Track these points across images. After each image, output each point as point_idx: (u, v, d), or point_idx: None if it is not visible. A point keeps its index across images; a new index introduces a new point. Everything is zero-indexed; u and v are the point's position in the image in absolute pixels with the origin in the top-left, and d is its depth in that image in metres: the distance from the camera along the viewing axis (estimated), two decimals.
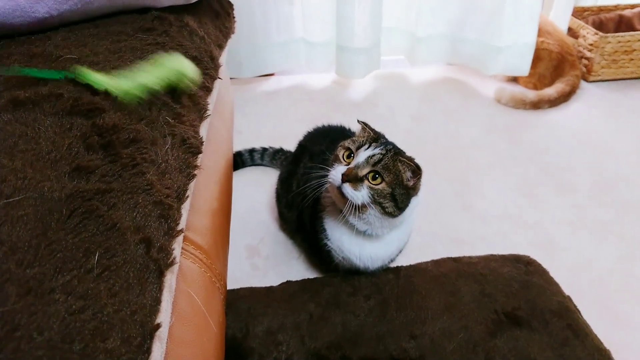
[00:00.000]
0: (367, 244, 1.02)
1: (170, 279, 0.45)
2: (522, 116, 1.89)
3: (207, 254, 0.59)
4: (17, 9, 0.62)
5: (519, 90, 2.00)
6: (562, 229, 1.33)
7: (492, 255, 1.20)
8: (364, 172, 0.89)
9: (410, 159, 0.91)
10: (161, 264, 0.43)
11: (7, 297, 0.33)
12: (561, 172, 1.56)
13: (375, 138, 0.97)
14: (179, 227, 0.49)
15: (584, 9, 2.26)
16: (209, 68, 0.75)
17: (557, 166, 1.59)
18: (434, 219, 1.38)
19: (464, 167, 1.61)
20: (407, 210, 0.94)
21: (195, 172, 0.57)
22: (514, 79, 2.14)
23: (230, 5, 1.02)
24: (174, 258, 0.46)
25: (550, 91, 1.93)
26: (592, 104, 1.95)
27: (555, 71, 2.02)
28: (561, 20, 2.18)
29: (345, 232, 1.00)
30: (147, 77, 0.55)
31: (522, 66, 2.02)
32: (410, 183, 0.91)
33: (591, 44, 2.05)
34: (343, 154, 0.95)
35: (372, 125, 1.01)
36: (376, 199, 0.89)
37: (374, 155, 0.90)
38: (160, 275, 0.43)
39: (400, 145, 0.98)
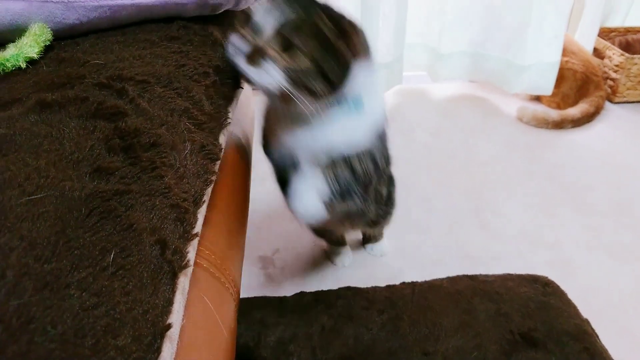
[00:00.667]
0: None
1: (184, 282, 0.45)
2: (544, 135, 1.88)
3: (221, 259, 0.60)
4: (49, 15, 0.64)
5: (542, 110, 1.99)
6: (580, 250, 1.32)
7: (509, 274, 1.18)
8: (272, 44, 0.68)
9: (332, 12, 0.69)
10: (175, 266, 0.44)
11: (24, 291, 0.34)
12: (581, 193, 1.54)
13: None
14: (195, 231, 0.50)
15: (611, 30, 2.24)
16: (231, 77, 0.76)
17: (577, 186, 1.57)
18: (450, 233, 1.37)
19: (482, 184, 1.60)
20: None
21: (213, 178, 0.58)
22: (537, 98, 2.13)
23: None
24: (188, 261, 0.46)
25: (574, 111, 1.91)
26: (616, 126, 1.93)
27: (579, 91, 2.00)
28: (587, 40, 2.16)
29: None
30: (21, 44, 0.60)
31: (546, 85, 2.01)
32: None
33: (617, 65, 2.03)
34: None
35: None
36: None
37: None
38: (174, 276, 0.43)
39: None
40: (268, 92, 0.70)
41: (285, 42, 0.65)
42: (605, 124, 1.94)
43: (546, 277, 1.17)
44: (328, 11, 0.68)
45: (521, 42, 1.97)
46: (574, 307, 1.10)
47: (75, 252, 0.38)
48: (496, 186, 1.58)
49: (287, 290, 1.16)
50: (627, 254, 1.30)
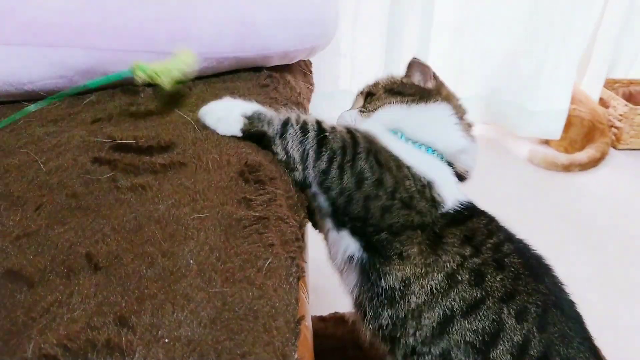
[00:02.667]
0: None
1: (301, 286, 0.58)
2: (553, 177, 2.02)
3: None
4: None
5: (551, 153, 2.14)
6: (591, 287, 1.43)
7: None
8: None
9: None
10: (299, 274, 0.56)
11: (215, 282, 0.46)
12: (590, 233, 1.67)
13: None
14: (303, 250, 0.63)
15: (615, 81, 2.41)
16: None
17: (585, 227, 1.70)
18: None
19: None
20: (432, 110, 0.87)
21: (306, 204, 0.71)
22: (546, 141, 2.27)
23: (311, 63, 1.18)
24: (304, 270, 0.59)
25: (582, 156, 2.06)
26: (621, 171, 2.07)
27: (585, 137, 2.15)
28: (593, 90, 2.33)
29: None
30: (173, 65, 0.69)
31: (555, 130, 2.16)
32: (430, 84, 0.97)
33: (621, 115, 2.19)
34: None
35: None
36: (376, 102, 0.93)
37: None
38: (298, 281, 0.56)
39: None
40: None
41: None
42: (610, 169, 2.09)
43: None
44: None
45: (533, 89, 2.13)
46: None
47: (239, 256, 0.51)
48: (508, 224, 1.70)
49: (324, 310, 1.26)
50: (635, 290, 1.42)
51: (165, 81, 0.68)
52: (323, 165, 0.69)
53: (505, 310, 0.65)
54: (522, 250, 0.77)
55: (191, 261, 0.48)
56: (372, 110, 0.87)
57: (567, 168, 2.04)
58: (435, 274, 0.68)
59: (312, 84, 1.09)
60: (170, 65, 0.69)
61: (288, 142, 0.69)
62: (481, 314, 0.65)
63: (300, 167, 0.70)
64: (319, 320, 1.23)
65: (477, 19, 2.11)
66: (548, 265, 0.78)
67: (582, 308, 1.33)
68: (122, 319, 0.41)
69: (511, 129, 2.27)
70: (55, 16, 0.72)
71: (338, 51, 2.21)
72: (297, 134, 0.70)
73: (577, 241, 1.62)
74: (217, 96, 0.78)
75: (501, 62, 2.18)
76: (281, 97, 0.85)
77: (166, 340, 0.40)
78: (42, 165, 0.60)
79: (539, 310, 0.66)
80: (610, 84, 2.40)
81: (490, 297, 0.66)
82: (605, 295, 1.41)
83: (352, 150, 0.70)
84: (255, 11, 0.82)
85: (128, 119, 0.71)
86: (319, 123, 0.72)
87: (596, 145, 2.10)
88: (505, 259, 0.72)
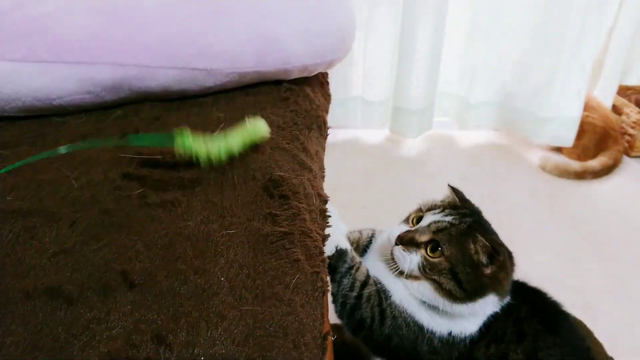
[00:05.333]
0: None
1: (325, 300, 0.59)
2: (566, 185, 2.01)
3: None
4: (193, 79, 0.79)
5: (563, 160, 2.14)
6: (603, 296, 1.43)
7: None
8: (423, 238, 0.77)
9: (491, 240, 0.75)
10: (324, 289, 0.58)
11: (246, 299, 0.48)
12: (603, 242, 1.66)
13: (456, 205, 0.85)
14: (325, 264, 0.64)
15: (628, 88, 2.41)
16: (323, 132, 0.92)
17: (599, 236, 1.70)
18: None
19: (507, 229, 1.70)
20: (483, 305, 0.77)
21: (328, 219, 0.72)
22: (558, 149, 2.27)
23: (327, 74, 1.19)
24: (328, 285, 0.60)
25: (594, 163, 2.05)
26: (634, 179, 2.07)
27: (598, 144, 2.15)
28: (606, 97, 2.32)
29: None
30: (231, 140, 0.65)
31: (567, 137, 2.16)
32: (488, 270, 0.75)
33: (634, 122, 2.18)
34: (413, 217, 0.85)
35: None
36: (428, 273, 0.76)
37: (439, 221, 0.78)
38: (323, 295, 0.57)
39: None
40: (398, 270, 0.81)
41: (437, 244, 0.76)
42: (624, 177, 2.08)
43: (574, 317, 1.29)
44: (480, 232, 0.77)
45: (546, 96, 2.13)
46: (600, 346, 1.22)
47: (267, 273, 0.52)
48: (521, 232, 1.71)
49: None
50: None
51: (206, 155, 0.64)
52: (354, 324, 0.83)
53: None
54: (539, 305, 0.85)
55: (222, 278, 0.49)
56: (415, 277, 0.80)
57: (580, 176, 2.04)
58: None
59: (329, 95, 1.10)
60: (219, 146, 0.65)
61: (340, 287, 0.83)
62: None
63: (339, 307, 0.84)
64: (333, 328, 1.24)
65: (490, 26, 2.11)
66: (563, 312, 0.86)
67: (596, 318, 1.33)
68: (159, 337, 0.42)
69: (523, 135, 2.27)
70: (83, 34, 0.74)
71: (350, 58, 2.22)
72: (347, 286, 0.83)
73: (590, 250, 1.62)
74: (240, 110, 0.80)
75: (513, 68, 2.18)
76: (301, 110, 0.86)
77: (202, 359, 0.41)
78: (74, 181, 0.61)
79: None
80: (623, 91, 2.40)
81: None
82: (619, 305, 1.41)
83: (379, 326, 0.81)
84: (276, 26, 0.84)
85: (154, 134, 0.72)
86: (362, 285, 0.82)
87: (609, 153, 2.10)
88: (524, 324, 0.79)
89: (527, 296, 0.85)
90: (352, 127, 2.41)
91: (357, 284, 0.83)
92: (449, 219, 0.79)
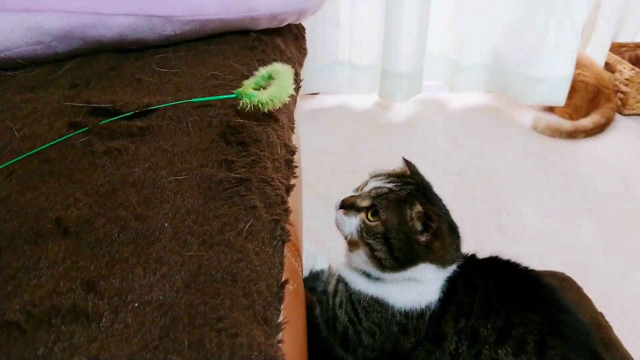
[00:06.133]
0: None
1: (286, 251, 0.56)
2: (558, 145, 1.97)
3: (295, 238, 0.70)
4: (151, 26, 0.75)
5: (555, 120, 2.09)
6: (594, 253, 1.41)
7: None
8: (363, 203, 0.75)
9: (427, 207, 0.72)
10: (284, 237, 0.54)
11: (191, 245, 0.44)
12: (594, 200, 1.63)
13: (401, 174, 0.82)
14: (289, 212, 0.60)
15: (621, 45, 2.35)
16: (295, 85, 0.87)
17: (590, 193, 1.67)
18: (469, 237, 1.46)
19: (499, 190, 1.70)
20: (416, 273, 0.75)
21: (295, 170, 0.68)
22: (550, 108, 2.23)
23: (303, 28, 1.14)
24: (289, 234, 0.57)
25: (586, 122, 2.01)
26: (627, 136, 2.03)
27: (590, 103, 2.10)
28: (599, 54, 2.26)
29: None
30: (276, 88, 0.65)
31: (559, 97, 2.11)
32: (422, 238, 0.72)
33: (627, 79, 2.13)
34: (362, 185, 0.82)
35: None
36: (364, 236, 0.74)
37: (380, 187, 0.76)
38: (283, 244, 0.54)
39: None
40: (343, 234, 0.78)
41: (375, 209, 0.74)
42: (616, 134, 2.04)
43: (563, 273, 1.26)
44: (419, 200, 0.73)
45: (537, 56, 2.07)
46: (590, 301, 1.20)
47: (218, 219, 0.48)
48: (513, 192, 1.68)
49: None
50: (638, 257, 1.39)
51: (270, 104, 0.64)
52: (340, 337, 0.83)
53: (501, 351, 0.69)
54: (512, 280, 0.79)
55: (166, 224, 0.46)
56: (353, 249, 0.79)
57: (572, 135, 2.00)
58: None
59: (304, 48, 1.05)
60: (276, 93, 0.65)
61: (322, 307, 0.87)
62: None
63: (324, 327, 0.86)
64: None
65: None
66: (541, 285, 0.79)
67: (587, 275, 1.31)
68: (89, 284, 0.39)
69: (515, 97, 2.22)
70: None
71: (337, 22, 2.16)
72: (324, 303, 0.86)
73: (583, 208, 1.59)
74: (201, 60, 0.75)
75: (504, 29, 2.12)
76: (269, 60, 0.82)
77: (135, 305, 0.38)
78: (16, 132, 0.57)
79: (537, 338, 0.68)
80: (616, 48, 2.34)
81: (486, 346, 0.70)
82: (611, 261, 1.38)
83: (359, 324, 0.80)
84: None
85: (107, 84, 0.68)
86: (334, 295, 0.85)
87: (601, 111, 2.05)
88: (493, 299, 0.73)
89: (499, 271, 0.80)
90: (340, 93, 2.36)
91: (330, 296, 0.84)
92: (390, 185, 0.77)
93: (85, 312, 0.37)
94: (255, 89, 0.65)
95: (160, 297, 0.39)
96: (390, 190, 0.75)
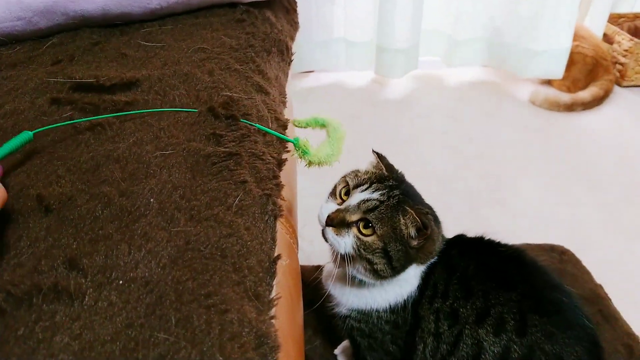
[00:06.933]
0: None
1: (279, 226, 0.54)
2: (556, 118, 1.95)
3: (288, 211, 0.69)
4: (136, 0, 0.72)
5: (553, 93, 2.06)
6: (593, 226, 1.40)
7: (527, 244, 1.27)
8: (353, 217, 0.72)
9: (419, 212, 0.70)
10: (276, 212, 0.52)
11: (178, 221, 0.43)
12: (593, 173, 1.62)
13: (382, 177, 0.78)
14: (281, 186, 0.59)
15: (620, 16, 2.31)
16: (285, 57, 0.85)
17: (589, 167, 1.65)
18: (469, 212, 1.45)
19: (498, 165, 1.68)
20: (404, 274, 0.75)
21: (287, 144, 0.67)
22: (548, 82, 2.20)
23: (295, 1, 1.11)
24: (282, 209, 0.55)
25: (584, 94, 1.99)
26: (625, 108, 2.01)
27: (589, 75, 2.07)
28: (597, 25, 2.23)
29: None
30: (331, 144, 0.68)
31: (557, 70, 2.08)
32: (415, 242, 0.72)
33: (626, 50, 2.10)
34: (340, 190, 0.78)
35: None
36: (362, 253, 0.71)
37: (369, 200, 0.72)
38: (275, 219, 0.52)
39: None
40: (335, 252, 0.75)
41: (368, 222, 0.71)
42: (614, 106, 2.02)
43: (562, 246, 1.26)
44: (408, 204, 0.72)
45: (535, 29, 2.04)
46: (589, 274, 1.19)
47: (207, 194, 0.47)
48: (512, 166, 1.66)
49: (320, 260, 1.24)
50: (637, 229, 1.38)
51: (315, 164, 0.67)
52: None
53: (481, 331, 0.69)
54: (492, 260, 0.78)
55: (152, 200, 0.44)
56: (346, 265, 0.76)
57: (570, 108, 1.97)
58: (427, 340, 0.75)
59: (296, 22, 1.02)
60: (327, 157, 0.67)
61: None
62: (462, 344, 0.71)
63: None
64: (315, 269, 1.20)
65: None
66: (527, 263, 0.78)
67: (586, 247, 1.31)
68: (72, 262, 0.37)
69: (512, 71, 2.19)
70: None
71: None
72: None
73: (582, 182, 1.58)
74: (188, 33, 0.73)
75: (501, 2, 2.08)
76: (259, 33, 0.79)
77: (120, 282, 0.37)
78: None
79: (517, 316, 0.69)
80: (614, 19, 2.30)
81: (467, 325, 0.70)
82: (610, 234, 1.37)
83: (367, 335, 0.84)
84: None
85: (91, 59, 0.66)
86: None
87: (600, 83, 2.03)
88: (472, 282, 0.73)
89: (483, 251, 0.80)
90: (336, 71, 2.33)
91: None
92: (377, 195, 0.73)
93: (67, 290, 0.35)
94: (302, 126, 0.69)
95: (146, 274, 0.38)
96: (380, 202, 0.72)
